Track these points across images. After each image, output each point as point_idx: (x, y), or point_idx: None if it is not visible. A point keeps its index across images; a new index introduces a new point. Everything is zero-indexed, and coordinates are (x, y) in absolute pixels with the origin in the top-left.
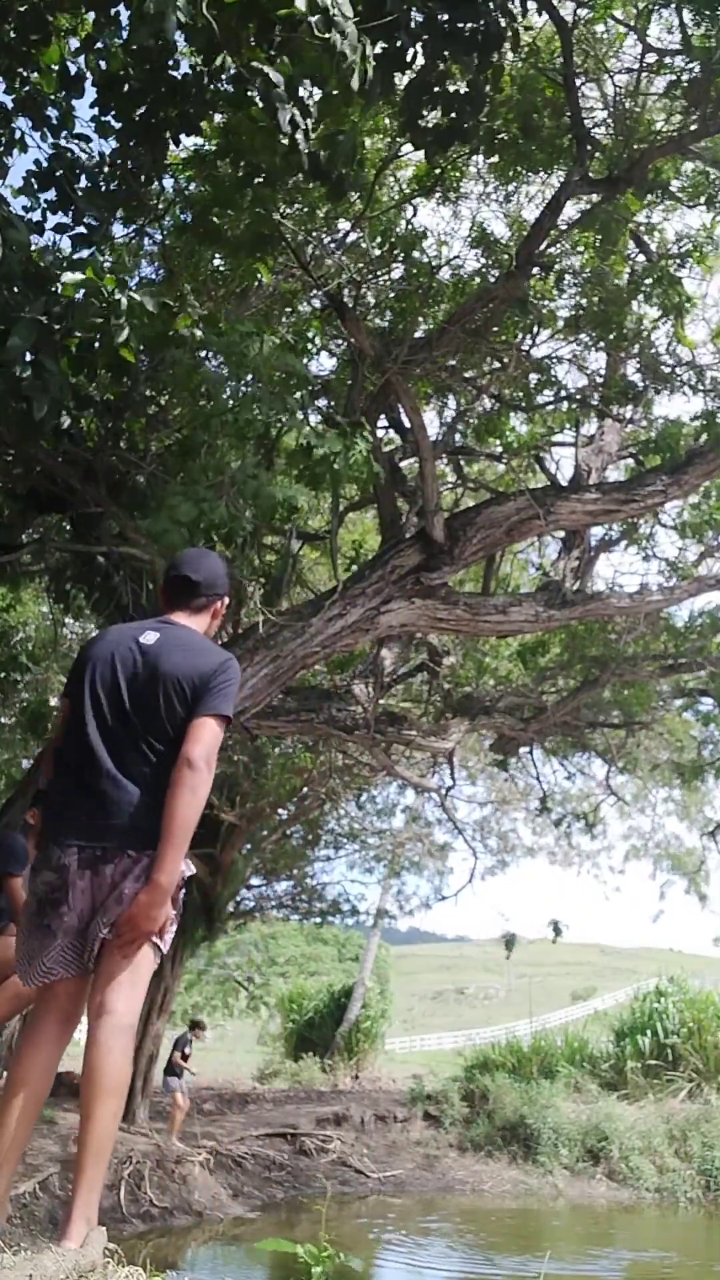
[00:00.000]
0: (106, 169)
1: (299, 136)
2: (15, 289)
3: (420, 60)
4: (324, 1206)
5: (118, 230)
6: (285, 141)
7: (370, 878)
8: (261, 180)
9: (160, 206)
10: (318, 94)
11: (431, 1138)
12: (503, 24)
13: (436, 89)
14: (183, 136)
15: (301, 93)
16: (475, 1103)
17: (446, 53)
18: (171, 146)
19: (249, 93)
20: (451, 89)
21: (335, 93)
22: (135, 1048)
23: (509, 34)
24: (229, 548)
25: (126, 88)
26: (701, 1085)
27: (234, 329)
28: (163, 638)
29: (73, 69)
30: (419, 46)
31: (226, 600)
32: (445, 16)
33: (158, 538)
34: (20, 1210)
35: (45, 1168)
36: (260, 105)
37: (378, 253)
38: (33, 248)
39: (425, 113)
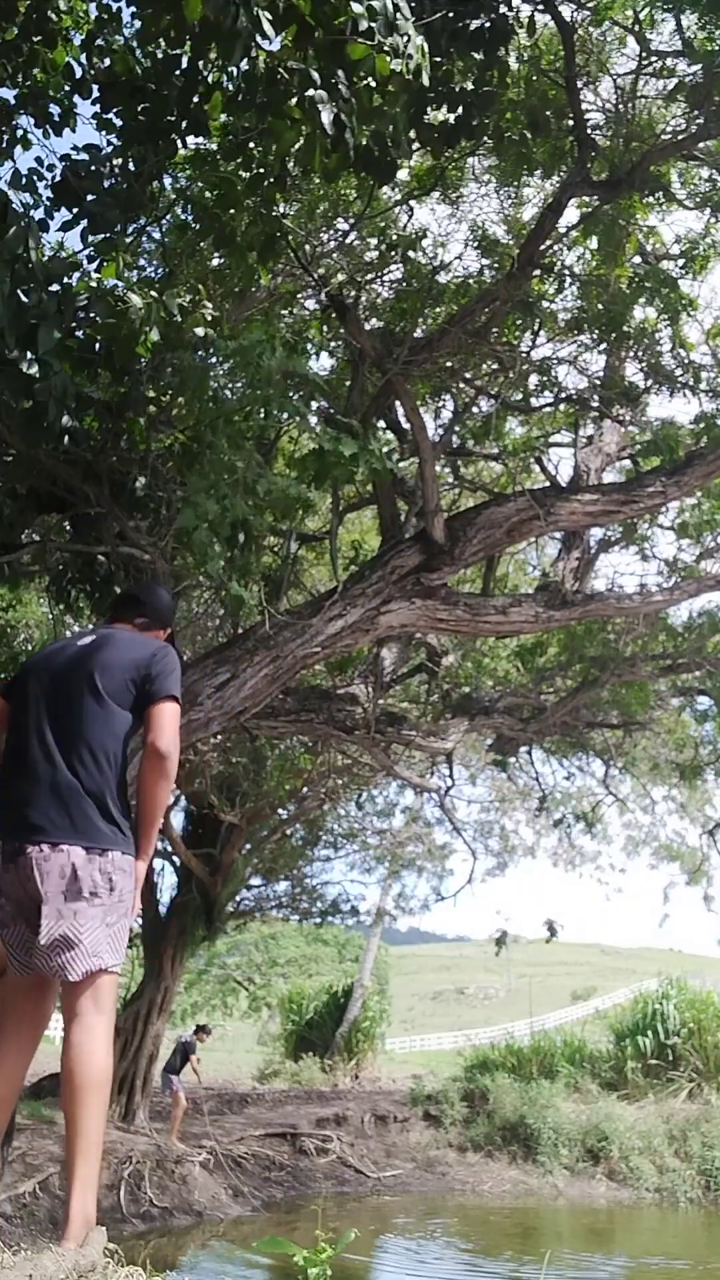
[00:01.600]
0: (115, 167)
1: (347, 135)
2: (34, 290)
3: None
4: (320, 1206)
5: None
6: (329, 142)
7: (370, 878)
8: (272, 182)
9: (162, 205)
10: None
11: (431, 1138)
12: (509, 19)
13: (443, 87)
14: (189, 138)
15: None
16: (475, 1103)
17: (452, 50)
18: (180, 147)
19: (285, 90)
20: (458, 87)
21: (381, 86)
22: (135, 1048)
23: (519, 26)
24: (247, 544)
25: (129, 87)
26: (702, 1085)
27: (245, 334)
28: (98, 639)
29: (78, 69)
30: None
31: (168, 632)
32: (451, 14)
33: (188, 534)
34: (20, 1210)
35: (45, 1168)
36: (296, 105)
37: (376, 253)
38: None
39: (431, 110)
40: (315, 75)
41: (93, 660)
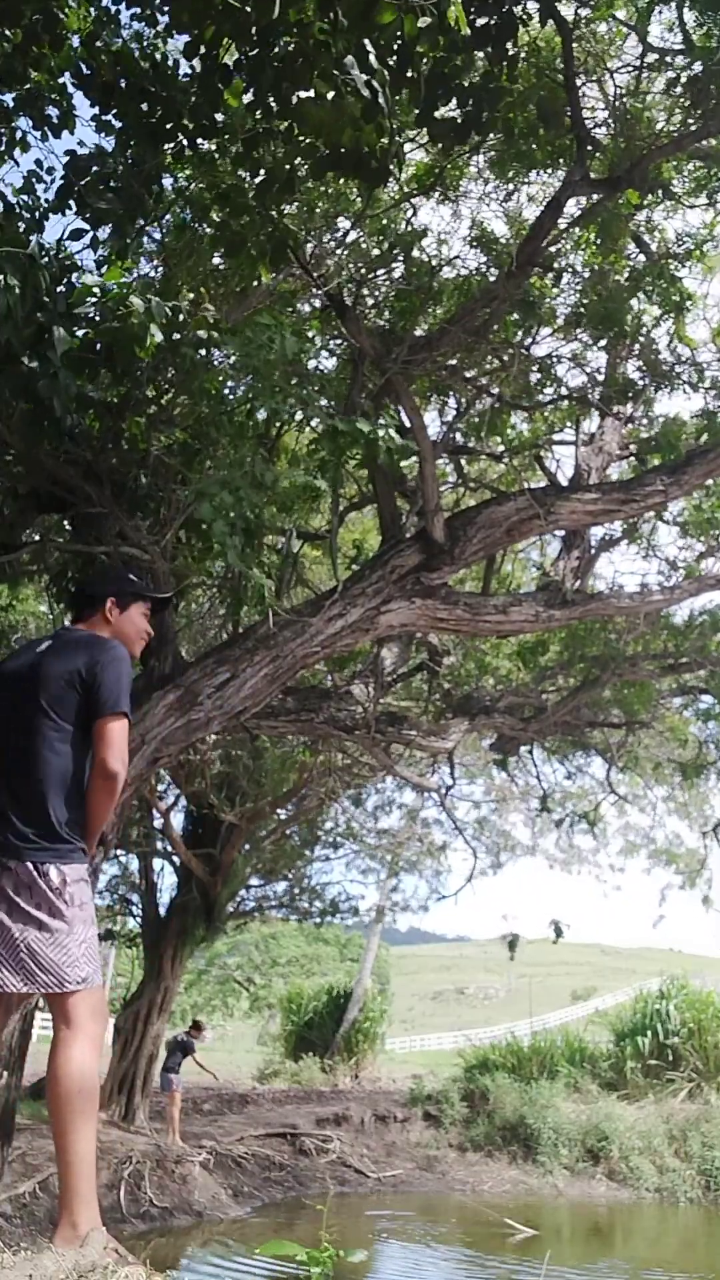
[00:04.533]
0: (116, 167)
1: (382, 102)
2: (45, 289)
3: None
4: (326, 1206)
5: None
6: (362, 111)
7: (369, 878)
8: (280, 185)
9: (163, 205)
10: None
11: (431, 1138)
12: (516, 14)
13: (452, 81)
14: (197, 139)
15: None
16: (475, 1103)
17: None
18: (187, 149)
19: (311, 64)
20: (466, 81)
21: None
22: (135, 1048)
23: (525, 20)
24: (251, 539)
25: (134, 89)
26: (701, 1085)
27: (251, 323)
28: (53, 643)
29: (84, 68)
30: None
31: (114, 600)
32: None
33: (205, 525)
34: (20, 1210)
35: (45, 1167)
36: (324, 78)
37: (377, 252)
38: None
39: (440, 105)
40: (343, 44)
41: (40, 672)
